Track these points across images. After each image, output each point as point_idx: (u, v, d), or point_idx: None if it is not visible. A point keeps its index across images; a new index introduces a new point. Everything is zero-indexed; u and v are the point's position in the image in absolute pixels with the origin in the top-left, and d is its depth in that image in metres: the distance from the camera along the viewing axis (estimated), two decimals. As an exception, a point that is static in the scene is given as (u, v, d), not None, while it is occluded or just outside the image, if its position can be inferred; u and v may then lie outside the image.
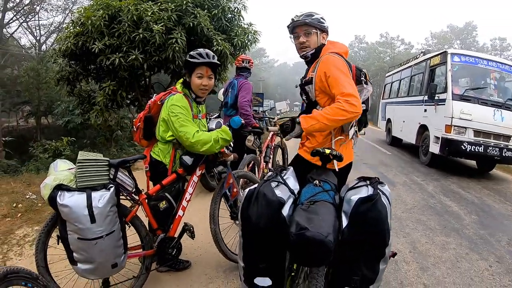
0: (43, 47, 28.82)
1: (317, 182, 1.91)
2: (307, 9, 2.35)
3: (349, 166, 2.32)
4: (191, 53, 2.61)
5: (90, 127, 14.53)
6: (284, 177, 1.92)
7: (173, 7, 5.98)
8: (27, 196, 4.66)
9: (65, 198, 2.01)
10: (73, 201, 2.01)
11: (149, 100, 2.75)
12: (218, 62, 2.66)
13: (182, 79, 2.72)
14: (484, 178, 7.34)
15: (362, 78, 2.21)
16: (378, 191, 1.75)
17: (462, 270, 3.20)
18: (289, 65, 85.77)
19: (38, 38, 28.83)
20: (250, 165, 4.22)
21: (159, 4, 6.06)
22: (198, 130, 2.52)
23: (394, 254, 1.86)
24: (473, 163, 8.45)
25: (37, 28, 28.59)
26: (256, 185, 1.80)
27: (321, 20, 2.24)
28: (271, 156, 4.70)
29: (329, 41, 2.29)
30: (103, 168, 2.21)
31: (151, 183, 2.70)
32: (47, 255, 2.29)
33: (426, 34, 77.01)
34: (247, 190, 1.79)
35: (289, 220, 1.69)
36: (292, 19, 2.26)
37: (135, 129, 2.78)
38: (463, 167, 8.45)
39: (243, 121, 2.76)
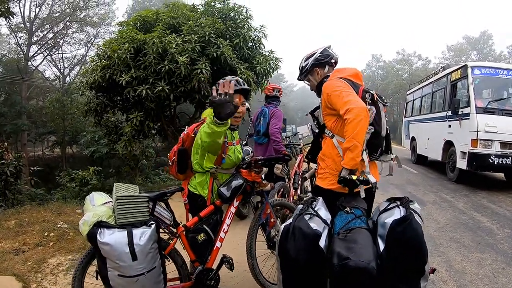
0: (67, 79, 29.90)
1: (348, 209, 1.96)
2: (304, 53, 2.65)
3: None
4: (239, 81, 2.66)
5: (115, 156, 14.86)
6: (316, 209, 1.97)
7: (197, 38, 6.15)
8: (58, 225, 4.71)
9: (105, 236, 1.99)
10: (114, 238, 1.99)
11: (182, 133, 2.76)
12: (248, 88, 2.73)
13: (208, 109, 2.61)
14: (514, 191, 7.16)
15: (366, 99, 2.20)
16: (411, 210, 1.79)
17: (500, 285, 3.19)
18: (308, 89, 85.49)
19: (62, 70, 29.94)
20: (280, 192, 4.24)
21: (182, 36, 6.25)
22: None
23: (433, 270, 1.88)
24: (501, 175, 8.27)
25: (61, 61, 29.76)
26: (290, 220, 1.86)
27: (304, 64, 2.53)
28: (300, 183, 4.69)
29: (336, 69, 2.46)
30: (143, 205, 2.20)
31: (190, 214, 2.72)
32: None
33: (442, 47, 76.28)
34: (282, 226, 1.85)
35: (326, 251, 1.75)
36: None
37: (170, 163, 2.79)
38: (491, 181, 8.27)
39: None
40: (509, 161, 6.60)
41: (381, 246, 1.73)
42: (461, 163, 7.23)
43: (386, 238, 1.72)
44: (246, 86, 2.67)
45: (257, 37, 7.39)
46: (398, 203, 1.90)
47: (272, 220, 2.86)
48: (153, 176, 14.01)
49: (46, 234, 4.41)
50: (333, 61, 2.49)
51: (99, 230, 2.01)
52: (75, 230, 4.58)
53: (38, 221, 4.86)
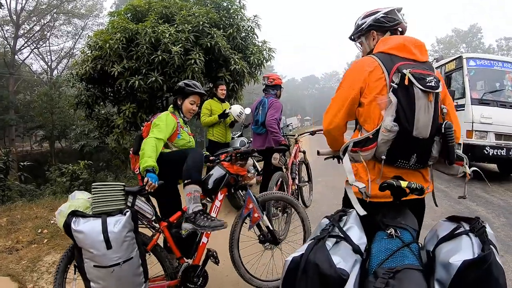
0: (54, 72, 29.41)
1: (392, 231, 1.39)
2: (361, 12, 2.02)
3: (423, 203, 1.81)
4: (187, 82, 2.95)
5: (104, 149, 14.68)
6: (345, 228, 1.41)
7: (190, 28, 6.05)
8: (52, 222, 4.60)
9: (79, 224, 1.98)
10: (88, 226, 1.98)
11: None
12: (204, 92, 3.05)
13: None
14: (506, 181, 7.26)
15: (392, 84, 1.58)
16: (489, 244, 1.22)
17: None
18: (297, 80, 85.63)
19: (49, 63, 29.42)
20: (279, 183, 4.21)
21: (175, 25, 6.15)
22: (159, 139, 2.56)
23: None
24: (493, 166, 8.33)
25: (48, 54, 29.24)
26: (303, 250, 1.28)
27: (360, 22, 1.94)
28: (297, 173, 4.69)
29: (381, 39, 1.82)
30: (119, 193, 2.17)
31: None
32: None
33: (432, 40, 76.78)
34: (290, 257, 1.29)
35: None
36: None
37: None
38: (484, 171, 8.31)
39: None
40: (503, 152, 6.63)
41: None
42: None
43: None
44: (202, 91, 2.98)
45: (250, 27, 7.32)
46: (467, 227, 1.33)
47: (255, 215, 2.71)
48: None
49: (39, 231, 4.30)
50: (399, 29, 1.87)
51: (74, 219, 2.00)
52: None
53: (30, 218, 4.75)
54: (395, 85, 1.55)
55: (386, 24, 1.84)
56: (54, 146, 23.39)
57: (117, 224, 2.02)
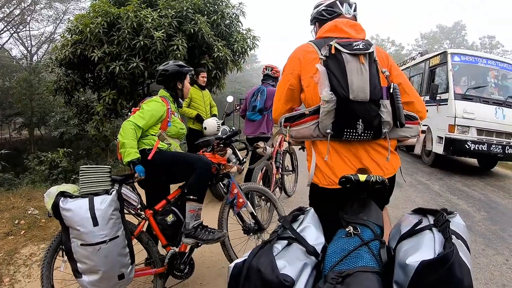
0: (34, 57, 28.56)
1: (351, 229, 1.27)
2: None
3: (392, 180, 1.69)
4: (178, 63, 2.85)
5: (84, 137, 14.38)
6: (299, 228, 1.32)
7: (173, 13, 5.92)
8: (29, 212, 4.51)
9: (68, 203, 2.02)
10: (75, 204, 2.01)
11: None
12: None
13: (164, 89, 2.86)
14: (486, 175, 7.42)
15: (321, 57, 1.59)
16: (453, 239, 1.09)
17: (481, 265, 3.29)
18: (280, 70, 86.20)
19: (29, 48, 28.56)
20: (263, 171, 4.21)
21: (158, 10, 6.00)
22: (139, 127, 2.51)
23: None
24: (473, 161, 8.49)
25: (28, 38, 28.35)
26: (247, 255, 1.20)
27: (311, 13, 1.97)
28: (281, 162, 4.72)
29: (320, 29, 1.84)
30: (105, 176, 2.25)
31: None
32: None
33: (416, 35, 77.65)
34: (233, 263, 1.22)
35: None
36: None
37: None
38: (464, 165, 8.49)
39: None
40: (484, 147, 6.77)
41: None
42: (438, 148, 7.35)
43: None
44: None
45: (235, 14, 7.18)
46: (431, 221, 1.23)
47: (240, 200, 2.82)
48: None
49: (16, 222, 4.22)
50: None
51: (62, 198, 2.04)
52: (47, 216, 4.38)
53: (7, 208, 4.64)
54: (323, 57, 1.56)
55: (325, 17, 1.87)
56: (33, 133, 22.82)
57: (103, 202, 2.07)
